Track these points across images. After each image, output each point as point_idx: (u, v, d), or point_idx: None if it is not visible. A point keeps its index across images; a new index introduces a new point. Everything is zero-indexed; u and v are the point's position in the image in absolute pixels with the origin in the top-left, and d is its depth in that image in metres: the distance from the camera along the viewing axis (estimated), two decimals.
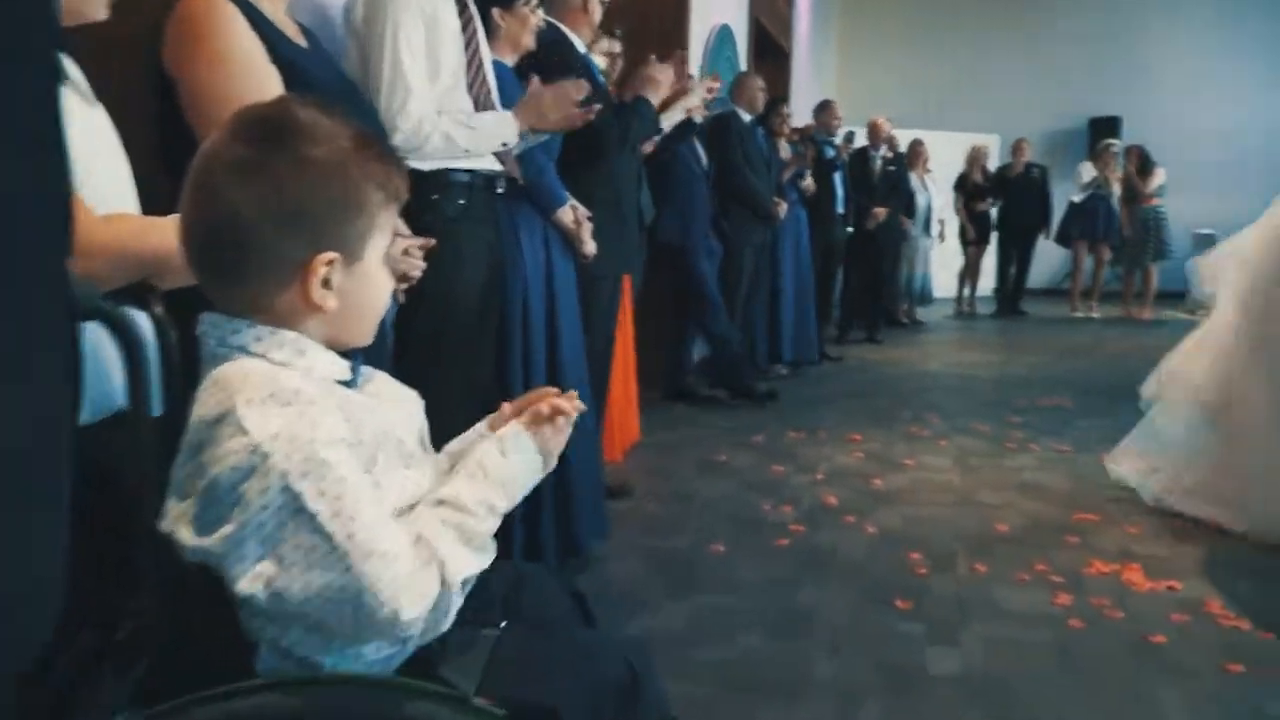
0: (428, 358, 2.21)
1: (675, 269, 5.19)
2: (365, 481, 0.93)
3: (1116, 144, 9.85)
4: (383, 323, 2.45)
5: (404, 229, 1.81)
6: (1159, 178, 9.52)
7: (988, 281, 10.97)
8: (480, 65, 2.41)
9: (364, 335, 1.06)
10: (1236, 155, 11.65)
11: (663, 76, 3.17)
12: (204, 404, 0.92)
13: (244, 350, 0.96)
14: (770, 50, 8.59)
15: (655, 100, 3.18)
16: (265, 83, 1.55)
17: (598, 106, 2.50)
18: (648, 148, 3.99)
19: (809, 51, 10.53)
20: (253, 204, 0.93)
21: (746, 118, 5.66)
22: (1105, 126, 11.76)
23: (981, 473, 3.89)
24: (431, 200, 2.23)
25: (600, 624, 1.29)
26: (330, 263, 0.97)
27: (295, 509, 0.88)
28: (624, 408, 4.13)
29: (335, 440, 0.91)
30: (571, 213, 2.81)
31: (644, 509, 3.38)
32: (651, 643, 2.30)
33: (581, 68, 3.20)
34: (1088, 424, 4.80)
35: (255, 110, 0.99)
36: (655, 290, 5.23)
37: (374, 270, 1.03)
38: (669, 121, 3.53)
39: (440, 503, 1.00)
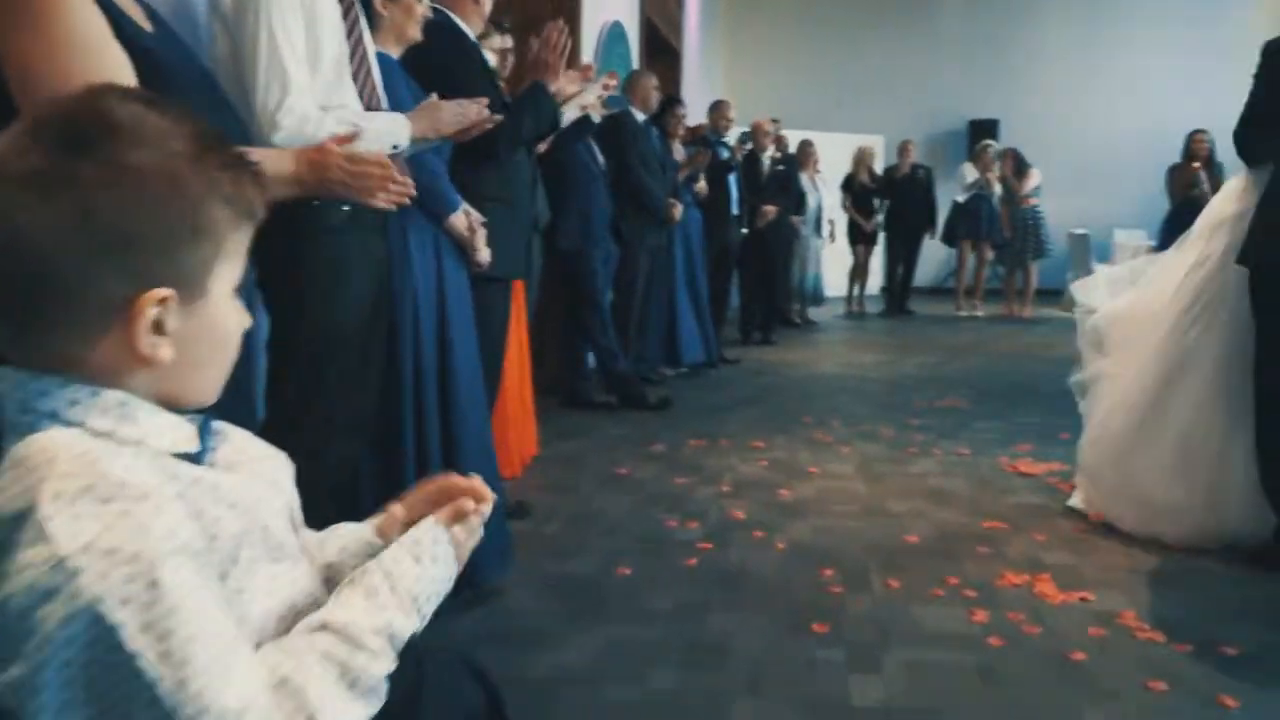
0: (308, 385, 1.99)
1: (569, 274, 5.02)
2: (213, 601, 0.72)
3: (994, 145, 10.10)
4: (252, 344, 2.23)
5: None
6: (1034, 179, 9.79)
7: (875, 280, 11.15)
8: (365, 58, 2.20)
9: (209, 391, 0.84)
10: (1110, 155, 12.11)
11: (555, 59, 2.98)
12: (1, 493, 0.70)
13: (55, 418, 0.74)
14: (661, 49, 8.50)
15: (552, 86, 3.00)
16: (109, 65, 1.30)
17: (497, 118, 2.31)
18: (542, 147, 3.82)
19: (699, 51, 10.50)
20: (53, 229, 0.71)
21: (641, 117, 5.53)
22: (984, 129, 12.08)
23: (887, 480, 3.84)
24: (313, 207, 2.02)
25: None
26: (162, 301, 0.76)
27: (109, 646, 0.66)
28: (521, 420, 3.94)
29: (172, 550, 0.69)
30: (465, 218, 2.61)
31: (545, 530, 3.20)
32: (558, 684, 2.15)
33: (477, 59, 3.01)
34: (984, 425, 4.82)
35: (57, 105, 0.76)
36: (552, 294, 5.06)
37: (221, 308, 0.82)
38: (564, 118, 3.35)
39: (323, 627, 0.79)
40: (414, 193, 1.87)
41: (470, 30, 3.04)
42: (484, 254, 2.66)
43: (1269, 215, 2.89)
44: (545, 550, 3.01)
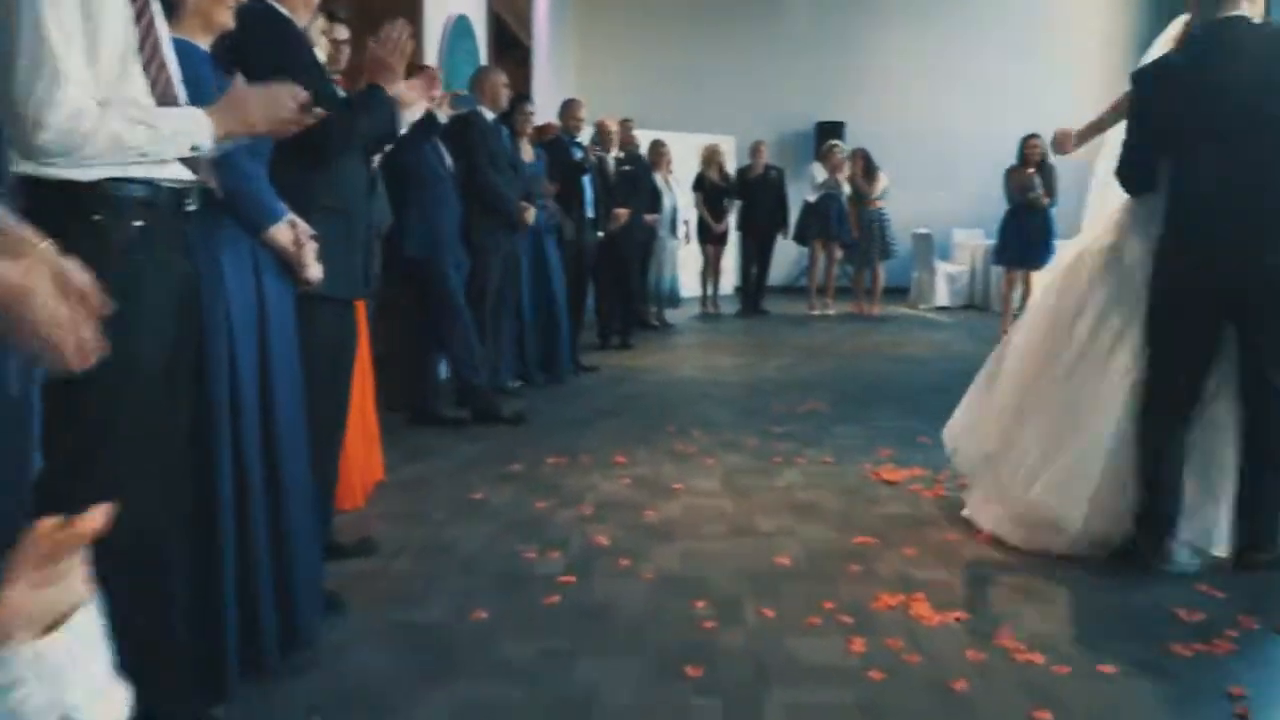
0: (95, 438, 1.68)
1: (420, 281, 4.72)
2: None
3: (841, 145, 10.24)
4: (23, 384, 1.88)
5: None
6: (883, 182, 9.99)
7: (729, 279, 11.18)
8: (157, 46, 1.88)
9: None
10: (948, 156, 12.49)
11: (396, 60, 2.71)
12: None
13: None
14: (510, 45, 8.23)
15: (391, 89, 2.72)
16: None
17: (319, 111, 2.03)
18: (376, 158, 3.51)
19: (549, 48, 10.26)
20: None
21: (490, 116, 5.26)
22: (831, 130, 12.29)
23: (753, 495, 3.71)
24: (94, 222, 1.70)
25: None
26: None
27: None
28: (364, 444, 3.63)
29: None
30: (289, 230, 2.30)
31: (391, 569, 2.92)
32: None
33: (303, 49, 2.70)
34: (845, 430, 4.78)
35: None
36: (397, 305, 4.74)
37: None
38: (407, 119, 3.07)
39: None
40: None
41: (297, 18, 2.73)
42: (313, 270, 2.36)
43: (1169, 243, 2.93)
44: (391, 594, 2.73)
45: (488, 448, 4.38)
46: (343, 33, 3.62)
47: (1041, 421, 3.12)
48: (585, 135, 7.04)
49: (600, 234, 6.70)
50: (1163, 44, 3.24)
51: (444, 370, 5.23)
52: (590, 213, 6.47)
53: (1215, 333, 2.89)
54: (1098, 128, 3.46)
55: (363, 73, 2.78)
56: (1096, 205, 3.40)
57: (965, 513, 3.35)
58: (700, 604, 2.65)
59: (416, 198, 4.64)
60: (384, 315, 4.38)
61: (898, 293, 11.33)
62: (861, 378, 6.39)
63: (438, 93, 3.34)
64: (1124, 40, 12.41)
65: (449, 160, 4.83)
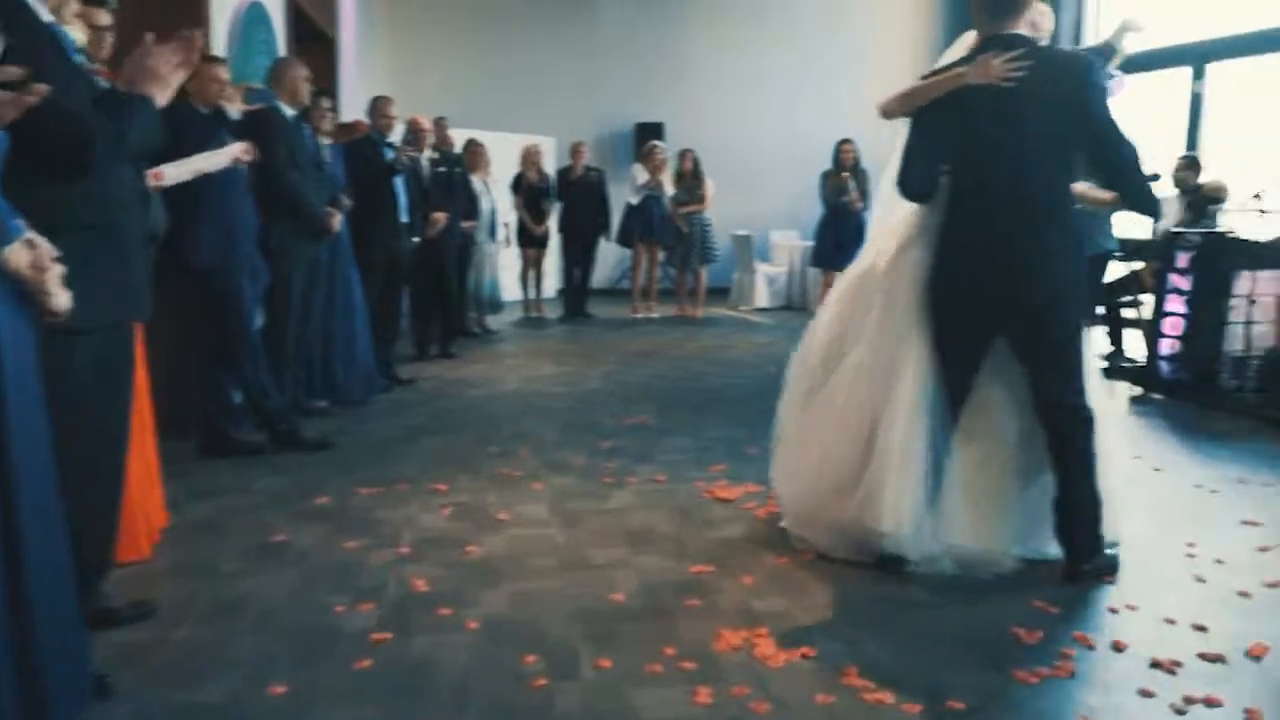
0: None
1: (209, 294, 4.27)
2: None
3: (661, 145, 10.17)
4: None
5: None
6: (710, 188, 9.99)
7: (550, 282, 10.94)
8: None
9: None
10: (765, 157, 12.69)
11: (168, 68, 2.32)
12: None
13: None
14: (312, 35, 7.71)
15: (161, 99, 2.34)
16: None
17: (41, 87, 1.67)
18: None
19: (357, 40, 9.72)
20: None
21: (290, 112, 4.83)
22: (650, 131, 12.25)
23: (584, 521, 3.50)
24: None
25: None
26: None
27: None
28: (144, 487, 3.19)
29: None
30: (26, 252, 1.92)
31: (173, 638, 2.54)
32: None
33: (42, 34, 2.28)
34: (675, 444, 4.65)
35: None
36: (185, 320, 4.27)
37: None
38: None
39: None
40: None
41: (39, 2, 2.31)
42: (59, 299, 1.97)
43: (941, 257, 2.95)
44: (172, 668, 2.36)
45: (290, 479, 3.99)
46: (105, 18, 3.17)
47: (838, 432, 3.08)
48: (397, 134, 6.64)
49: (415, 240, 6.32)
50: (954, 52, 3.21)
51: (239, 393, 4.76)
52: (404, 218, 6.08)
53: (985, 346, 2.95)
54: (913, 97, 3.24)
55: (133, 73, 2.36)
56: (883, 215, 3.37)
57: (791, 531, 3.24)
58: (531, 658, 2.41)
59: (205, 203, 4.18)
60: (169, 331, 3.91)
61: (719, 293, 11.40)
62: (688, 384, 6.30)
63: (195, 56, 2.89)
64: (928, 44, 12.95)
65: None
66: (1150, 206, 3.10)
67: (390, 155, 5.93)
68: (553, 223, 9.95)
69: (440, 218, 6.83)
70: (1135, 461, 4.33)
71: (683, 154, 10.12)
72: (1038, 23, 3.13)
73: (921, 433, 2.93)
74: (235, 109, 4.59)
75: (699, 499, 3.78)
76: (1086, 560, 2.90)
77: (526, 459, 4.36)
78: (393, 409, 5.44)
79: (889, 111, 3.06)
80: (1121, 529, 3.34)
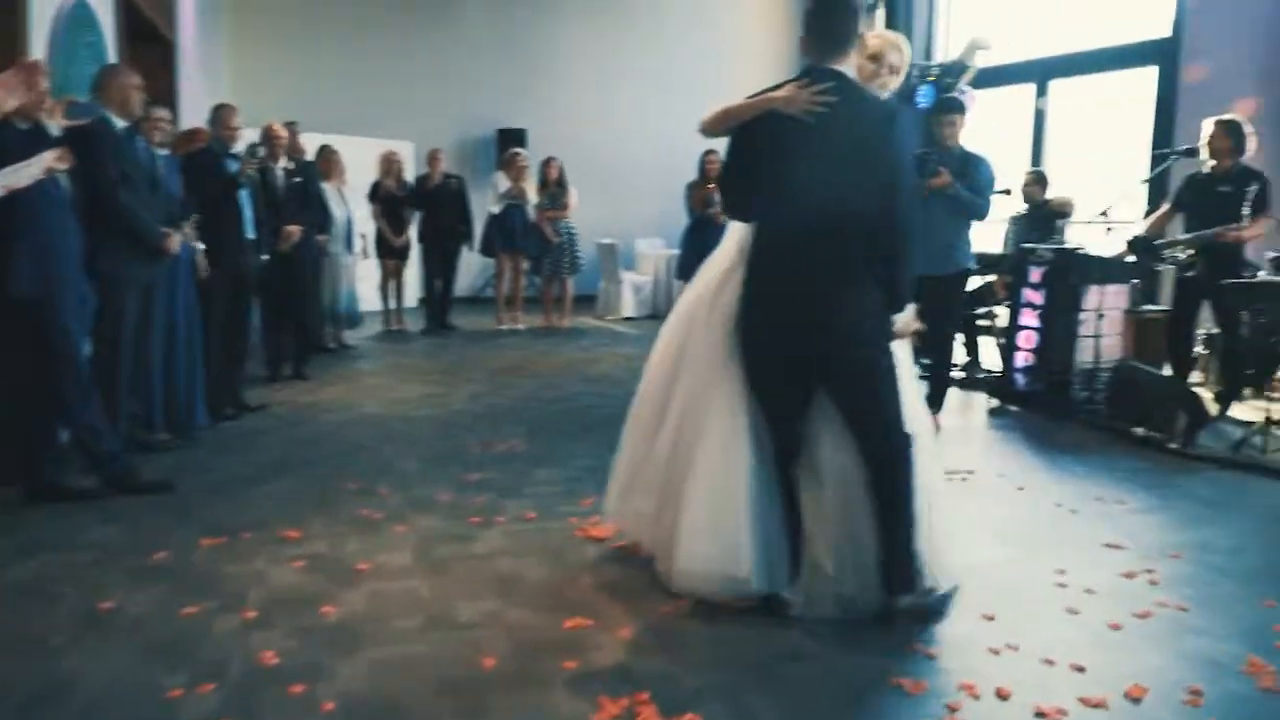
0: None
1: (31, 325, 3.88)
2: None
3: (524, 153, 9.96)
4: None
5: None
6: (574, 197, 9.85)
7: (411, 291, 10.60)
8: None
9: None
10: (629, 166, 12.63)
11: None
12: None
13: None
14: (147, 38, 7.20)
15: None
16: None
17: None
18: None
19: (197, 41, 9.15)
20: None
21: (120, 124, 4.44)
22: (513, 137, 12.03)
23: (451, 569, 3.30)
24: None
25: None
26: None
27: None
28: None
29: None
30: None
31: None
32: None
33: None
34: (545, 474, 4.48)
35: None
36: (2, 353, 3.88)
37: None
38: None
39: None
40: None
41: None
42: None
43: (749, 290, 2.86)
44: None
45: (124, 530, 3.64)
46: None
47: (669, 473, 3.02)
48: (244, 144, 6.23)
49: (265, 256, 5.94)
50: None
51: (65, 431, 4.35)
52: (251, 233, 5.70)
53: (799, 384, 2.85)
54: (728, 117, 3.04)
55: None
56: (728, 235, 3.29)
57: (662, 574, 3.13)
58: None
59: (24, 226, 3.82)
60: None
61: (585, 301, 11.28)
62: (556, 405, 6.14)
63: (44, 86, 2.59)
64: (783, 58, 13.15)
65: (65, 179, 4.00)
66: (897, 293, 2.82)
67: (234, 168, 5.55)
68: (413, 232, 9.63)
69: (294, 231, 6.48)
70: (999, 480, 4.43)
71: (547, 162, 9.94)
72: (895, 64, 3.09)
73: (742, 471, 2.87)
74: (55, 124, 4.19)
75: (571, 538, 3.63)
76: (902, 592, 2.84)
77: (388, 497, 4.11)
78: (241, 441, 5.09)
79: (707, 129, 2.96)
80: (993, 553, 3.40)
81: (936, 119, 5.59)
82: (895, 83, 3.19)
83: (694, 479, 2.94)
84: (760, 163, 2.83)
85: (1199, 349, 6.41)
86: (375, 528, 3.73)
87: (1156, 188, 7.03)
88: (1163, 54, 8.28)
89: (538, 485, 4.30)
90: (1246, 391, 6.21)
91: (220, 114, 5.68)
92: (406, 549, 3.50)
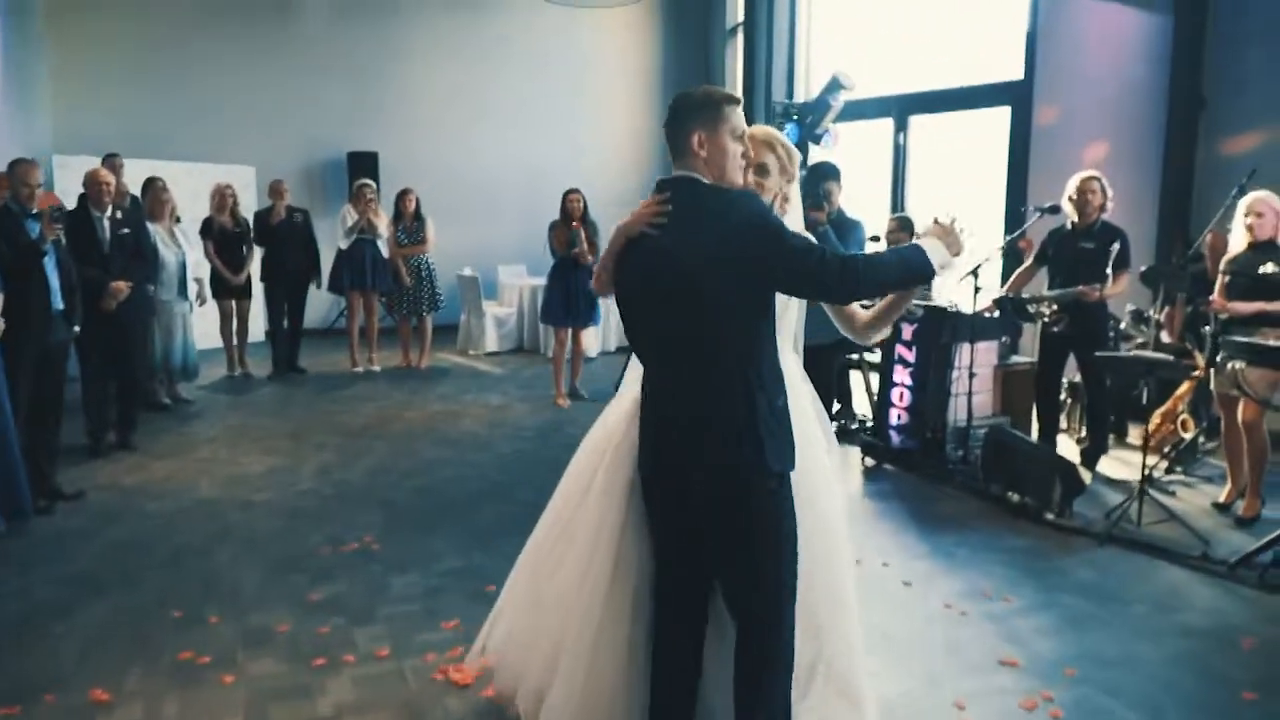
0: None
1: None
2: None
3: (371, 184, 9.38)
4: None
5: None
6: (432, 230, 9.36)
7: (257, 325, 9.89)
8: None
9: None
10: (489, 190, 12.18)
11: None
12: None
13: None
14: None
15: None
16: None
17: None
18: None
19: (4, 62, 8.23)
20: None
21: None
22: (364, 162, 11.42)
23: None
24: None
25: None
26: None
27: None
28: None
29: None
30: None
31: None
32: None
33: None
34: (401, 586, 4.06)
35: None
36: None
37: None
38: None
39: None
40: None
41: None
42: None
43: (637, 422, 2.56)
44: None
45: None
46: None
47: (565, 628, 2.69)
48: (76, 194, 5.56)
49: (76, 329, 5.27)
50: None
51: None
52: (59, 304, 5.05)
53: (683, 532, 2.49)
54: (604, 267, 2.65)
55: None
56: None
57: None
58: None
59: None
60: None
61: (447, 331, 10.80)
62: (415, 478, 5.69)
63: None
64: (649, 76, 12.95)
65: None
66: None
67: (34, 230, 4.90)
68: (255, 268, 8.95)
69: (121, 287, 5.84)
70: (884, 573, 4.25)
71: (403, 194, 9.39)
72: (785, 165, 2.78)
73: (621, 623, 2.58)
74: None
75: (430, 682, 3.23)
76: None
77: (218, 628, 3.62)
78: (49, 547, 4.47)
79: (599, 290, 2.62)
80: (890, 685, 3.19)
81: (814, 185, 5.46)
82: (779, 185, 2.81)
83: (575, 643, 2.61)
84: (622, 279, 2.50)
85: (1064, 396, 6.48)
86: (200, 678, 3.24)
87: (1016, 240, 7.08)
88: (1016, 95, 8.42)
89: (393, 603, 3.88)
90: (1110, 437, 6.32)
91: (18, 170, 4.99)
92: (236, 710, 3.04)
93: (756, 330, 2.33)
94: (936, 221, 2.44)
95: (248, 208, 9.46)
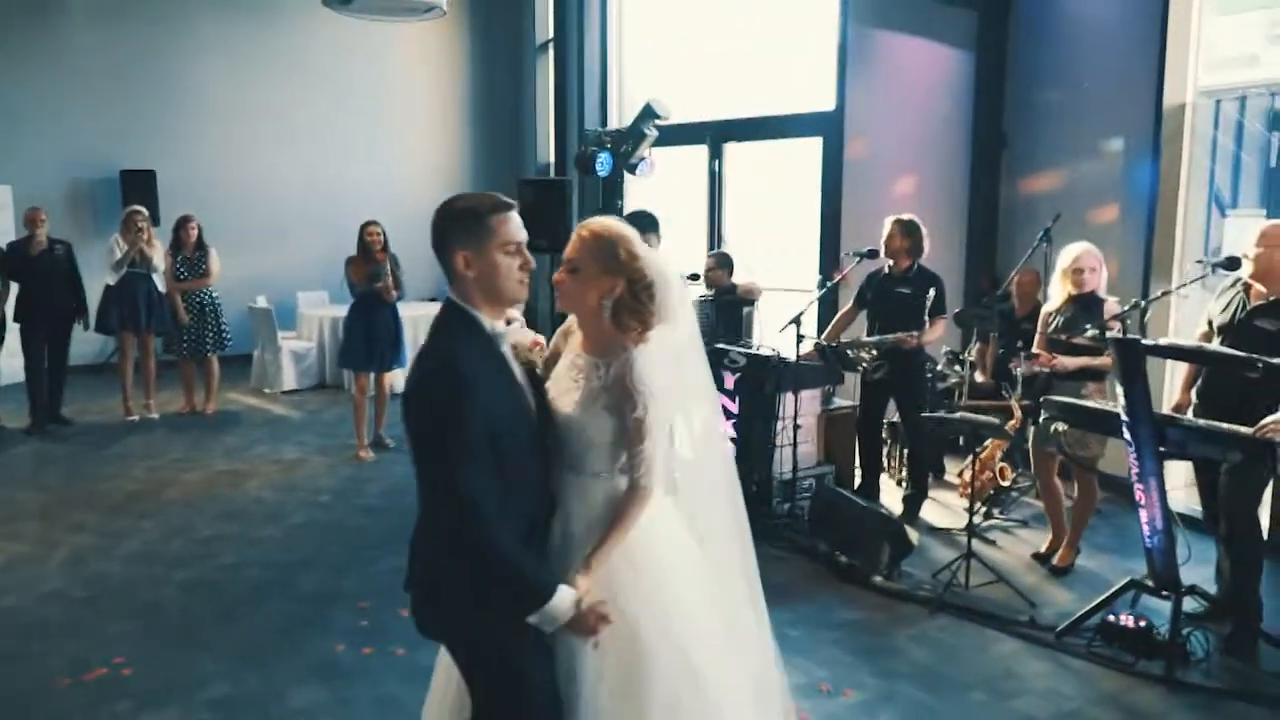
0: None
1: None
2: None
3: (143, 211, 8.40)
4: None
5: None
6: (216, 261, 8.49)
7: (14, 364, 8.71)
8: None
9: None
10: (284, 213, 11.27)
11: None
12: None
13: None
14: None
15: None
16: None
17: None
18: None
19: None
20: None
21: None
22: (139, 182, 10.33)
23: None
24: None
25: None
26: None
27: None
28: None
29: None
30: None
31: None
32: None
33: None
34: None
35: None
36: None
37: None
38: None
39: None
40: None
41: None
42: None
43: None
44: None
45: None
46: None
47: None
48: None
49: None
50: None
51: None
52: None
53: None
54: None
55: None
56: None
57: None
58: None
59: None
60: None
61: (239, 364, 9.88)
62: (186, 568, 4.97)
63: None
64: (458, 93, 12.34)
65: None
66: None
67: None
68: (9, 309, 7.85)
69: None
70: None
71: (183, 222, 8.44)
72: (613, 261, 2.31)
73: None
74: None
75: None
76: None
77: None
78: None
79: None
80: None
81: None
82: (607, 283, 2.28)
83: None
84: None
85: (884, 434, 6.40)
86: None
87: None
88: (827, 126, 8.37)
89: None
90: (929, 475, 6.28)
91: None
92: None
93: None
94: (578, 604, 2.02)
95: (4, 234, 8.33)
